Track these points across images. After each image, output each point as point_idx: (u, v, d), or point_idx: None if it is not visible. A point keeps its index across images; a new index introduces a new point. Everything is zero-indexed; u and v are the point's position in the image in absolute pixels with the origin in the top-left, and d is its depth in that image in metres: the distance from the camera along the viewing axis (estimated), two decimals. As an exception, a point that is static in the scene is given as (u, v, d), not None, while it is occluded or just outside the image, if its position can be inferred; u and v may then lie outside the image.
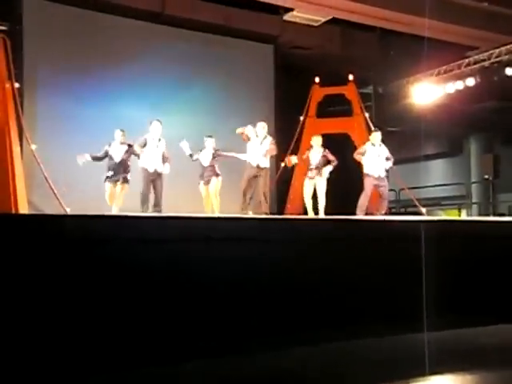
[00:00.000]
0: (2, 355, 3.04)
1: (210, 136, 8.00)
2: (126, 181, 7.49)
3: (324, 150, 8.12)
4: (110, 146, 7.54)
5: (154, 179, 7.33)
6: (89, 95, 9.30)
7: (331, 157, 8.06)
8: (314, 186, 8.09)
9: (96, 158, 7.56)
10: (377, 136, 8.09)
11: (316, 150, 8.16)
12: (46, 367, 3.14)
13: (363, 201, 7.75)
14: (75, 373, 3.17)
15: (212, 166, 7.83)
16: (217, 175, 7.79)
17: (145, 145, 7.34)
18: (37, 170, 8.10)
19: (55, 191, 7.97)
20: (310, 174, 8.11)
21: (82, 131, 9.07)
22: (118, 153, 7.52)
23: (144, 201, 7.24)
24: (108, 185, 7.51)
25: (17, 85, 8.09)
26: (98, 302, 3.39)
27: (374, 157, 7.87)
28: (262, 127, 7.60)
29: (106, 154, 7.52)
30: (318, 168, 8.02)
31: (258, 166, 7.36)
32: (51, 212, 7.21)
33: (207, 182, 7.79)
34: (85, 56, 9.30)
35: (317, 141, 8.26)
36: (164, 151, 7.43)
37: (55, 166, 8.39)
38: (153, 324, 3.51)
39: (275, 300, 3.94)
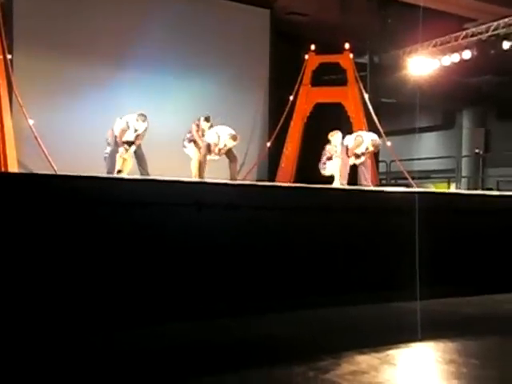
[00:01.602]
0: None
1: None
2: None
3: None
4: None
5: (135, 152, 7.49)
6: (82, 56, 9.13)
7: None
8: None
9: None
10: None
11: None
12: (37, 326, 3.17)
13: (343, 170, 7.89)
14: (68, 332, 3.21)
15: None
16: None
17: (125, 130, 7.42)
18: (27, 130, 8.01)
19: (45, 151, 7.92)
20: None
21: (73, 93, 8.94)
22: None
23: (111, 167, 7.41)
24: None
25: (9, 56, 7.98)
26: (86, 263, 3.40)
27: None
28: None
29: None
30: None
31: None
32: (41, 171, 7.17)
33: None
34: (79, 15, 9.09)
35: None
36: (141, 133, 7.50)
37: (46, 126, 8.30)
38: (142, 287, 3.54)
39: (266, 266, 3.97)
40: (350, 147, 7.88)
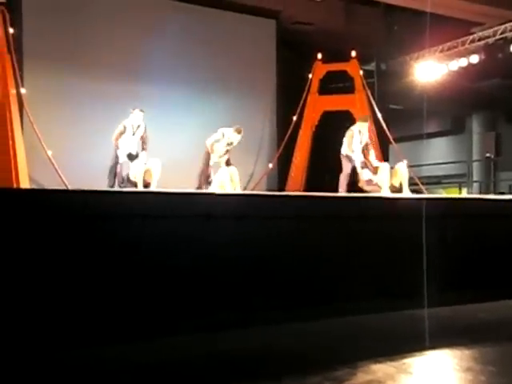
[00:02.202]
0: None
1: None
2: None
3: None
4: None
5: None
6: (91, 69, 9.22)
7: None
8: None
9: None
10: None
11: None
12: (39, 340, 3.18)
13: (341, 180, 7.64)
14: (73, 345, 3.21)
15: None
16: None
17: (122, 132, 7.37)
18: (38, 145, 8.07)
19: (56, 166, 7.97)
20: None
21: (84, 105, 9.01)
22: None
23: (111, 182, 7.34)
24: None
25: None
26: (98, 277, 3.41)
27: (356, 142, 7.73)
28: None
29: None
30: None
31: None
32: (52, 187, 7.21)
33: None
34: (87, 28, 9.20)
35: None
36: (143, 135, 7.43)
37: (57, 140, 8.36)
38: (152, 298, 3.53)
39: (274, 276, 3.96)
40: None
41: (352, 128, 7.77)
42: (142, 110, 7.47)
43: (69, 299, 3.29)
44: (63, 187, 7.59)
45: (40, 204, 3.39)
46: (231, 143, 7.47)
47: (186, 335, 3.47)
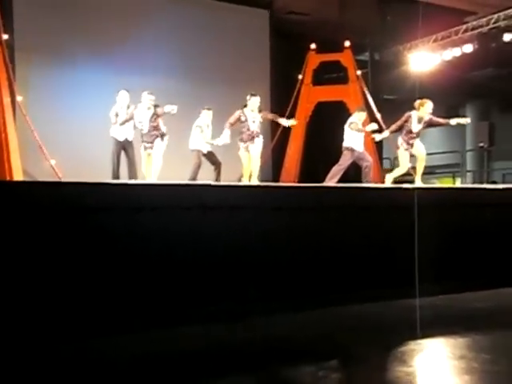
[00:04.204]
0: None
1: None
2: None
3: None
4: (135, 108, 7.06)
5: (125, 148, 7.31)
6: (82, 60, 9.16)
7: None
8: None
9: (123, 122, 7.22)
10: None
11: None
12: (37, 332, 3.18)
13: (336, 172, 7.37)
14: (71, 335, 3.21)
15: None
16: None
17: (117, 114, 7.27)
18: (30, 138, 8.03)
19: (49, 158, 7.94)
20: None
21: (76, 96, 8.96)
22: (145, 117, 7.03)
23: (115, 173, 7.20)
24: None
25: (5, 36, 7.95)
26: (94, 270, 3.41)
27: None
28: None
29: (131, 117, 7.08)
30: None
31: None
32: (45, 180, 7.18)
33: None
34: (78, 20, 9.13)
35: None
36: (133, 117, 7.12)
37: (49, 131, 8.32)
38: (149, 290, 3.54)
39: (269, 267, 3.97)
40: None
41: (352, 119, 7.64)
42: (126, 90, 7.36)
43: (64, 293, 3.29)
44: (56, 179, 7.57)
45: (33, 196, 3.38)
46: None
47: (182, 326, 3.48)
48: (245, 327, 3.57)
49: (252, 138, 6.97)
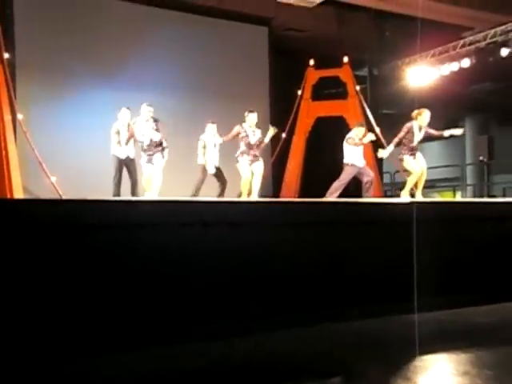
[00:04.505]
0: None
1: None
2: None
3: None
4: (134, 123, 7.09)
5: (127, 166, 7.33)
6: (83, 78, 9.21)
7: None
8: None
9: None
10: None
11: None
12: (38, 350, 3.16)
13: (337, 187, 7.42)
14: (73, 353, 3.19)
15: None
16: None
17: (118, 132, 7.28)
18: (31, 155, 8.06)
19: (49, 176, 7.96)
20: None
21: (76, 114, 9.02)
22: (145, 129, 7.07)
23: (116, 192, 7.19)
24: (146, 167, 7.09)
25: (6, 55, 8.00)
26: (95, 287, 3.40)
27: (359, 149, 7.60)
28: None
29: (132, 134, 7.12)
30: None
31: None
32: (46, 197, 7.19)
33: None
34: (79, 38, 9.21)
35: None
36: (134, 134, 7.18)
37: (50, 149, 8.35)
38: (150, 308, 3.52)
39: (269, 283, 3.95)
40: None
41: (350, 135, 7.68)
42: (128, 108, 7.34)
43: (65, 311, 3.28)
44: (57, 197, 7.57)
45: (34, 214, 3.38)
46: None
47: (183, 344, 3.46)
48: (245, 344, 3.55)
49: (255, 155, 7.16)
